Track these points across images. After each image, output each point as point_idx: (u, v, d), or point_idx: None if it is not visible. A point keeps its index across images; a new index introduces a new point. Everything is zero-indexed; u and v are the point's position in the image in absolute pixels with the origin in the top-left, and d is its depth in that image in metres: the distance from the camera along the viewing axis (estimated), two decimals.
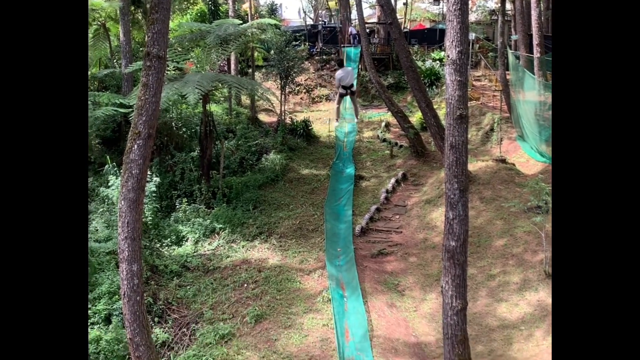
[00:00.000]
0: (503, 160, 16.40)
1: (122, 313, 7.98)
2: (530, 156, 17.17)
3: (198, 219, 14.78)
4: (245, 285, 12.13)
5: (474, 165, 15.86)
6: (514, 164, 16.48)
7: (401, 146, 20.47)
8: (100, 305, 10.55)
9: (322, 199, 16.66)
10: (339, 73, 16.11)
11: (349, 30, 29.95)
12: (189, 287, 12.09)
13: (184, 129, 18.08)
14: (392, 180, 17.39)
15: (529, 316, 10.14)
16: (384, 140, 21.71)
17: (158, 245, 13.19)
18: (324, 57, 31.63)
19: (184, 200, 15.47)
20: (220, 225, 14.74)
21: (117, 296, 10.68)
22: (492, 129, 20.33)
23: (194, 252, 13.77)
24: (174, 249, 13.76)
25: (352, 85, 15.76)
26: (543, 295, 10.50)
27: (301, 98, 28.12)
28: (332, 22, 36.78)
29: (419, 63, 27.24)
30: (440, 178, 16.05)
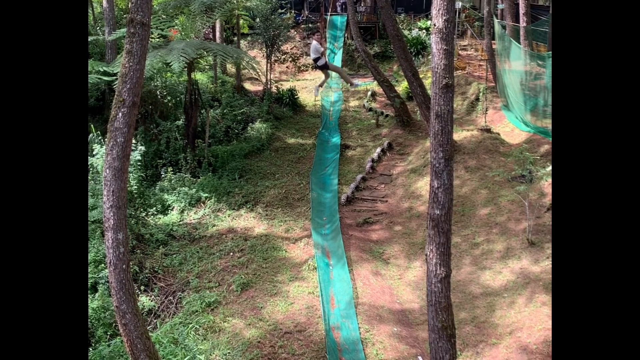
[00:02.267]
0: (488, 130, 16.44)
1: (108, 281, 7.97)
2: (515, 126, 17.21)
3: (183, 188, 14.72)
4: (232, 253, 12.17)
5: (459, 135, 15.89)
6: (498, 134, 16.52)
7: (387, 115, 20.42)
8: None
9: (308, 168, 16.63)
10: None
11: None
12: (174, 255, 12.11)
13: (168, 98, 17.87)
14: (378, 150, 17.38)
15: (511, 284, 10.29)
16: (370, 109, 21.62)
17: (143, 214, 13.13)
18: (310, 25, 31.25)
19: (170, 169, 15.38)
20: (206, 195, 14.70)
21: (103, 265, 10.67)
22: (477, 99, 20.32)
23: (180, 221, 13.75)
24: (160, 218, 13.72)
25: (317, 60, 15.27)
26: (526, 263, 10.64)
27: (287, 67, 27.81)
28: None
29: (406, 32, 26.98)
30: (425, 147, 16.07)
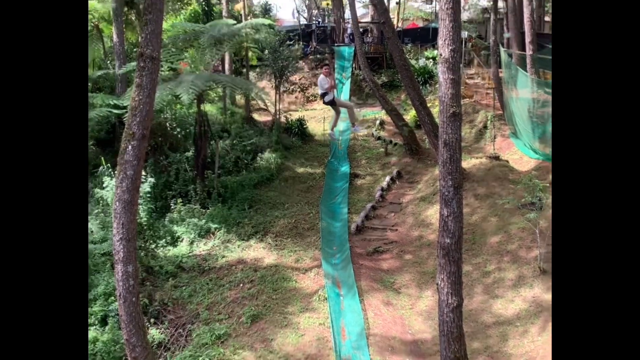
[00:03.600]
0: (497, 157, 16.40)
1: (118, 314, 7.93)
2: (523, 153, 17.17)
3: (193, 219, 14.72)
4: (241, 285, 12.09)
5: (468, 163, 15.86)
6: (507, 161, 16.48)
7: (396, 144, 20.45)
8: (97, 306, 10.50)
9: (317, 198, 16.62)
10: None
11: (347, 29, 29.84)
12: (184, 287, 12.04)
13: (178, 129, 18.00)
14: (387, 178, 17.37)
15: (524, 312, 10.13)
16: (379, 138, 21.68)
17: (153, 246, 13.12)
18: (318, 56, 31.56)
19: (179, 200, 15.40)
20: (216, 225, 14.68)
21: (112, 297, 10.62)
22: (485, 127, 20.33)
23: (189, 252, 13.71)
24: (169, 250, 13.70)
25: (324, 95, 13.86)
26: (538, 291, 10.50)
27: (296, 97, 28.04)
28: (326, 21, 36.68)
29: (413, 62, 27.19)
30: (434, 175, 16.04)
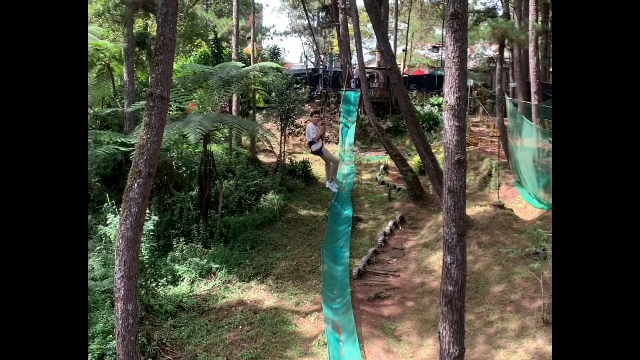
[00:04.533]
0: (501, 206, 16.40)
1: (115, 353, 7.84)
2: (528, 202, 17.18)
3: (195, 259, 14.68)
4: (241, 327, 11.97)
5: (472, 210, 15.86)
6: (512, 210, 16.47)
7: (399, 189, 20.50)
8: (94, 344, 10.37)
9: (319, 241, 16.59)
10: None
11: (353, 73, 30.31)
12: (183, 328, 11.92)
13: (183, 168, 18.13)
14: (390, 223, 17.35)
15: None
16: (382, 182, 21.76)
17: (154, 284, 13.05)
18: (328, 100, 31.99)
19: (182, 239, 15.39)
20: (217, 265, 14.63)
21: (111, 335, 10.51)
22: (490, 174, 20.40)
23: (190, 292, 13.62)
24: (170, 289, 13.61)
25: (311, 144, 13.57)
26: (541, 342, 10.35)
27: (301, 139, 28.27)
28: (333, 66, 37.33)
29: (418, 108, 27.53)
30: (438, 222, 16.02)
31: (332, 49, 44.55)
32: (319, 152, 13.73)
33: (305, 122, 28.68)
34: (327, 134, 28.18)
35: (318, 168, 23.26)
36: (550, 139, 15.94)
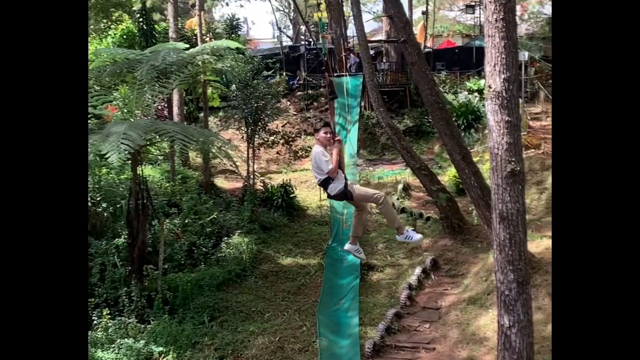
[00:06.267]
0: None
1: None
2: None
3: (126, 340, 14.54)
4: None
5: (537, 245, 15.87)
6: None
7: (428, 218, 20.54)
8: None
9: (313, 302, 16.52)
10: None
11: (351, 59, 30.38)
12: None
13: (103, 205, 18.07)
14: (417, 271, 17.34)
15: None
16: (403, 210, 21.79)
17: None
18: (309, 91, 32.06)
19: (105, 311, 15.27)
20: (161, 349, 14.51)
21: None
22: None
23: None
24: None
25: (325, 183, 10.57)
26: None
27: (278, 152, 28.39)
28: (320, 42, 37.60)
29: (449, 97, 27.70)
30: (488, 265, 16.02)
31: (320, 15, 44.84)
32: (344, 196, 10.71)
33: (283, 126, 28.73)
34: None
35: (306, 194, 23.30)
36: None
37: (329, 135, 10.17)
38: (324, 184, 10.44)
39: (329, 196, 10.93)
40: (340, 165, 10.70)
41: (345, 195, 10.55)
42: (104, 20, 30.95)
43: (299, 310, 16.31)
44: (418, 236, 11.17)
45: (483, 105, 25.91)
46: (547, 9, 38.43)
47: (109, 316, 15.14)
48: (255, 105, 22.26)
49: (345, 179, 10.50)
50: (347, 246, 11.52)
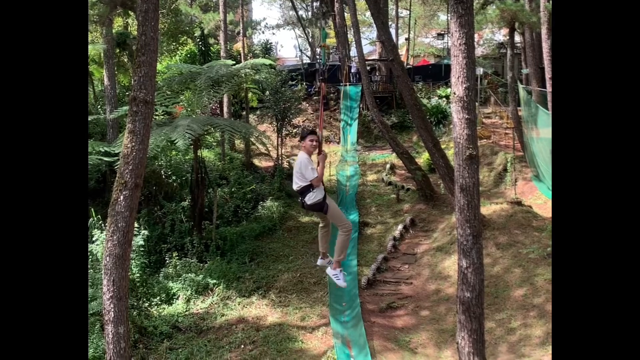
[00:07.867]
0: (519, 203, 16.38)
1: None
2: (547, 197, 17.14)
3: (190, 275, 14.65)
4: (242, 346, 11.95)
5: (487, 209, 15.85)
6: (530, 207, 16.45)
7: (408, 189, 20.50)
8: None
9: None
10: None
11: (352, 67, 30.35)
12: (180, 350, 11.90)
13: (173, 177, 18.15)
14: (400, 227, 17.35)
15: None
16: (390, 183, 21.76)
17: (146, 304, 13.04)
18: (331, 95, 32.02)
19: (175, 254, 15.37)
20: (214, 281, 14.61)
21: None
22: (505, 169, 20.39)
23: (186, 311, 13.61)
24: (164, 308, 13.60)
25: (304, 192, 8.14)
26: None
27: (299, 141, 28.30)
28: (331, 59, 37.42)
29: (424, 101, 27.57)
30: (451, 223, 16.02)
31: (326, 46, 44.70)
32: (320, 207, 8.24)
33: (303, 122, 28.67)
34: (325, 133, 28.08)
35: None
36: None
37: (314, 143, 8.08)
38: (303, 191, 8.06)
39: (303, 206, 8.31)
40: (321, 174, 8.20)
41: (321, 207, 8.15)
42: (174, 43, 30.83)
43: (314, 254, 16.34)
44: (343, 283, 8.97)
45: (449, 107, 25.79)
46: (498, 36, 38.12)
47: (177, 257, 15.26)
48: (283, 106, 22.36)
49: (325, 193, 8.14)
50: (328, 270, 9.36)
